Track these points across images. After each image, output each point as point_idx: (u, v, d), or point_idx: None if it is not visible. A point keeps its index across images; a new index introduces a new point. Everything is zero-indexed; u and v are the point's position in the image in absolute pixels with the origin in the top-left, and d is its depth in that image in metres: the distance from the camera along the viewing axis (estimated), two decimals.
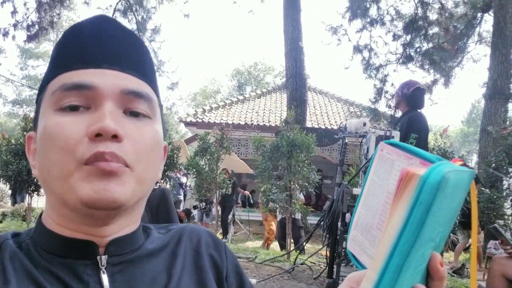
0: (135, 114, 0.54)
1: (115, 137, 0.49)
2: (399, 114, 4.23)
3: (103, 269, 0.53)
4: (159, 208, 2.15)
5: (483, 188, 4.43)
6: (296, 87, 9.33)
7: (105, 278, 0.52)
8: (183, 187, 9.52)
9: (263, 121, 11.98)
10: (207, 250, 0.65)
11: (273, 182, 5.24)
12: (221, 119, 11.79)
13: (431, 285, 0.39)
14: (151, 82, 0.58)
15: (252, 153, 11.42)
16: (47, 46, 26.62)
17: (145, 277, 0.56)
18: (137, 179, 0.52)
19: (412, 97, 3.57)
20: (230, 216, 8.29)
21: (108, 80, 0.52)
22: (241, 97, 14.46)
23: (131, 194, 0.51)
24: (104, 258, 0.53)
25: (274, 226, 7.17)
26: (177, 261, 0.60)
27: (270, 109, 13.27)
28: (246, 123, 11.54)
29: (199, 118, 11.82)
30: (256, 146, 5.41)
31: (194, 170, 6.08)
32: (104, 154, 0.49)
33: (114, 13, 10.75)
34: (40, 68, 27.66)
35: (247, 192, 9.65)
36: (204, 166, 6.17)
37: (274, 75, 30.16)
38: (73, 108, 0.51)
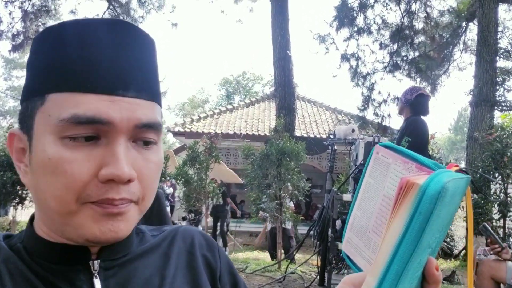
0: (144, 143, 0.51)
1: (127, 181, 0.47)
2: (394, 121, 4.26)
3: (96, 274, 0.52)
4: (152, 211, 2.15)
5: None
6: (284, 95, 9.37)
7: (97, 282, 0.52)
8: (169, 198, 9.39)
9: (252, 130, 11.98)
10: (201, 251, 0.64)
11: (263, 190, 5.21)
12: (210, 128, 11.75)
13: None
14: (159, 96, 0.54)
15: (241, 163, 11.39)
16: None
17: (138, 280, 0.55)
18: (142, 211, 0.52)
19: (415, 103, 3.56)
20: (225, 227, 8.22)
21: (124, 113, 0.47)
22: (229, 107, 14.47)
23: (133, 227, 0.52)
24: (96, 263, 0.52)
25: None
26: (170, 262, 0.60)
27: (259, 118, 13.29)
28: (235, 132, 11.53)
29: (187, 128, 11.77)
30: (245, 155, 5.39)
31: (182, 179, 6.02)
32: (114, 200, 0.47)
33: None
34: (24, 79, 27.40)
35: (234, 206, 9.43)
36: (193, 176, 6.12)
37: (263, 84, 30.32)
38: (87, 138, 0.47)
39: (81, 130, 0.46)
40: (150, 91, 0.51)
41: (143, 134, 0.50)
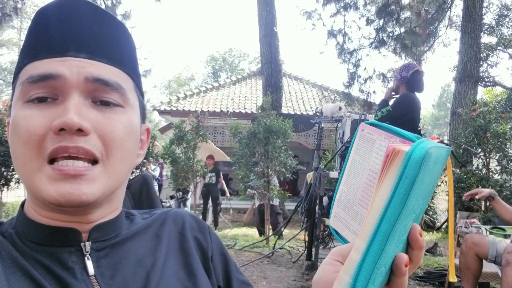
0: (105, 104, 0.52)
1: (80, 131, 0.48)
2: (379, 98, 4.27)
3: (87, 255, 0.53)
4: (141, 194, 2.14)
5: (453, 169, 4.58)
6: (271, 73, 9.32)
7: (89, 263, 0.53)
8: (157, 177, 9.32)
9: (239, 108, 11.93)
10: (192, 233, 0.65)
11: (250, 168, 5.24)
12: (196, 106, 11.66)
13: (411, 254, 0.40)
14: (127, 67, 0.56)
15: (228, 141, 11.38)
16: (11, 34, 25.48)
17: (130, 260, 0.56)
18: (110, 174, 0.52)
19: (411, 80, 3.54)
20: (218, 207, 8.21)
21: (73, 68, 0.50)
22: (216, 84, 14.31)
23: (102, 191, 0.51)
24: (88, 244, 0.53)
25: None
26: (162, 243, 0.61)
27: (245, 96, 13.22)
28: (221, 110, 11.46)
29: (174, 106, 11.64)
30: (233, 133, 5.39)
31: (170, 158, 6.01)
32: (67, 148, 0.48)
33: None
34: (4, 57, 26.50)
35: (225, 187, 9.29)
36: (180, 155, 6.11)
37: (249, 61, 30.03)
38: (41, 100, 0.50)
39: (38, 89, 0.49)
40: (109, 56, 0.53)
41: (102, 93, 0.52)
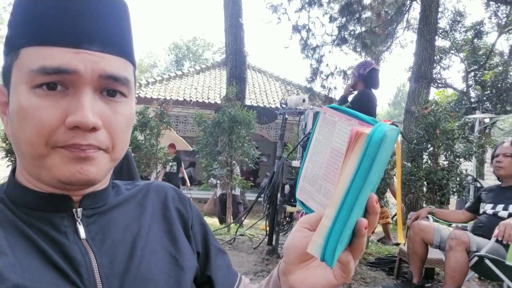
0: (111, 94, 0.54)
1: (93, 129, 0.51)
2: (340, 94, 4.42)
3: (79, 220, 0.57)
4: (122, 168, 2.32)
5: (405, 162, 4.88)
6: (236, 64, 9.34)
7: (81, 228, 0.57)
8: None
9: (202, 98, 11.86)
10: (174, 204, 0.70)
11: (214, 157, 5.30)
12: (159, 94, 11.46)
13: (368, 219, 0.47)
14: (130, 54, 0.57)
15: (191, 130, 11.31)
16: None
17: (118, 226, 0.61)
18: (112, 159, 0.56)
19: (368, 77, 3.77)
20: None
21: (88, 64, 0.51)
22: (179, 73, 14.09)
23: (104, 172, 0.56)
24: (79, 210, 0.57)
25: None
26: (146, 212, 0.65)
27: (209, 86, 13.15)
28: (185, 99, 11.35)
29: (135, 93, 11.37)
30: (197, 122, 5.40)
31: (133, 145, 5.93)
32: (80, 146, 0.51)
33: None
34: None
35: (186, 176, 9.21)
36: (143, 141, 6.04)
37: (214, 51, 29.71)
38: (50, 87, 0.50)
39: (48, 79, 0.50)
40: (118, 48, 0.54)
41: (111, 85, 0.54)
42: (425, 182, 4.58)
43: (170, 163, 7.50)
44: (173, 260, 0.63)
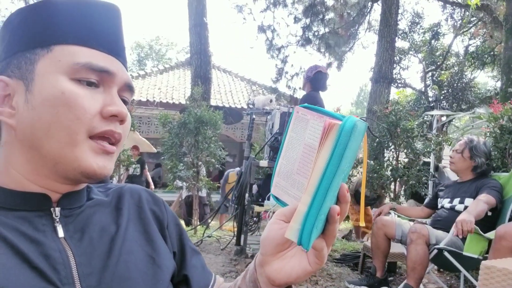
0: (124, 101, 0.62)
1: (122, 121, 0.59)
2: (299, 94, 4.62)
3: (57, 219, 0.58)
4: None
5: (368, 160, 5.01)
6: (200, 64, 9.26)
7: (59, 227, 0.57)
8: None
9: (166, 98, 11.69)
10: (148, 205, 0.71)
11: (180, 159, 5.23)
12: None
13: (340, 207, 0.50)
14: (127, 62, 0.66)
15: (154, 131, 11.11)
16: None
17: (95, 226, 0.61)
18: (116, 155, 0.61)
19: (314, 79, 3.99)
20: None
21: (120, 70, 0.60)
22: (142, 72, 13.81)
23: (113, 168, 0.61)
24: (57, 209, 0.58)
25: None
26: (123, 214, 0.67)
27: (173, 86, 12.97)
28: (148, 100, 11.14)
29: None
30: (162, 123, 5.31)
31: None
32: (114, 133, 0.58)
33: None
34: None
35: (149, 179, 8.98)
36: None
37: (177, 50, 29.35)
38: (89, 84, 0.57)
39: (90, 75, 0.57)
40: (124, 57, 0.64)
41: (124, 93, 0.63)
42: (387, 180, 4.72)
43: (134, 166, 7.34)
44: (150, 259, 0.64)
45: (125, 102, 0.63)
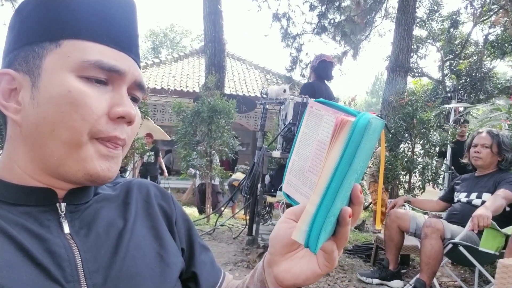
0: (134, 99, 0.60)
1: (129, 123, 0.57)
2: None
3: (62, 215, 0.56)
4: None
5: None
6: (215, 52, 9.22)
7: (65, 223, 0.56)
8: None
9: (181, 86, 11.71)
10: (156, 200, 0.70)
11: (193, 147, 5.24)
12: None
13: (352, 209, 0.48)
14: (139, 58, 0.63)
15: (169, 119, 11.17)
16: None
17: (102, 221, 0.60)
18: (121, 158, 0.59)
19: (318, 68, 4.01)
20: None
21: (131, 68, 0.57)
22: (156, 60, 13.83)
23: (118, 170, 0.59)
24: (63, 205, 0.57)
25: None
26: (130, 209, 0.65)
27: (187, 74, 12.98)
28: (162, 87, 11.18)
29: None
30: (176, 112, 5.32)
31: None
32: (118, 140, 0.55)
33: None
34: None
35: (163, 166, 9.09)
36: None
37: (192, 38, 29.30)
38: (98, 81, 0.54)
39: (99, 74, 0.54)
40: (138, 56, 0.61)
41: (134, 91, 0.60)
42: (402, 171, 4.66)
43: (148, 153, 7.41)
44: (158, 256, 0.62)
45: (135, 100, 0.61)
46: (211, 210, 5.65)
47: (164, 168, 8.89)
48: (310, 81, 4.19)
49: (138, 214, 0.65)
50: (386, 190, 5.13)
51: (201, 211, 6.71)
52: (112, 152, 0.55)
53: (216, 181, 6.44)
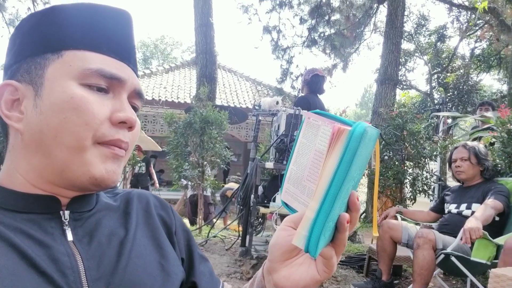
0: (133, 108, 0.62)
1: (130, 128, 0.58)
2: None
3: (66, 222, 0.57)
4: None
5: (373, 163, 5.00)
6: (206, 63, 9.24)
7: (68, 230, 0.56)
8: None
9: (172, 97, 11.69)
10: (156, 210, 0.71)
11: (185, 158, 5.24)
12: None
13: (350, 215, 0.49)
14: (137, 68, 0.65)
15: (160, 130, 11.13)
16: None
17: (104, 230, 0.61)
18: (125, 162, 0.61)
19: (310, 82, 4.06)
20: None
21: (130, 77, 0.60)
22: (147, 71, 13.80)
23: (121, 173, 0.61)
24: (67, 212, 0.58)
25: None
26: (131, 218, 0.66)
27: (179, 85, 12.98)
28: (153, 98, 11.15)
29: None
30: (168, 122, 5.32)
31: None
32: (121, 143, 0.57)
33: None
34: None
35: (154, 177, 9.01)
36: None
37: (183, 50, 29.42)
38: (99, 89, 0.56)
39: (101, 81, 0.56)
40: (135, 64, 0.63)
41: (134, 99, 0.62)
42: (393, 182, 4.71)
43: (139, 164, 7.36)
44: (159, 265, 0.63)
45: (135, 109, 0.62)
46: (203, 221, 5.62)
47: (155, 178, 8.82)
48: (302, 94, 4.24)
49: (139, 224, 0.66)
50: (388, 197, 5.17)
51: (192, 222, 6.66)
52: (117, 152, 0.56)
53: (208, 192, 6.41)
